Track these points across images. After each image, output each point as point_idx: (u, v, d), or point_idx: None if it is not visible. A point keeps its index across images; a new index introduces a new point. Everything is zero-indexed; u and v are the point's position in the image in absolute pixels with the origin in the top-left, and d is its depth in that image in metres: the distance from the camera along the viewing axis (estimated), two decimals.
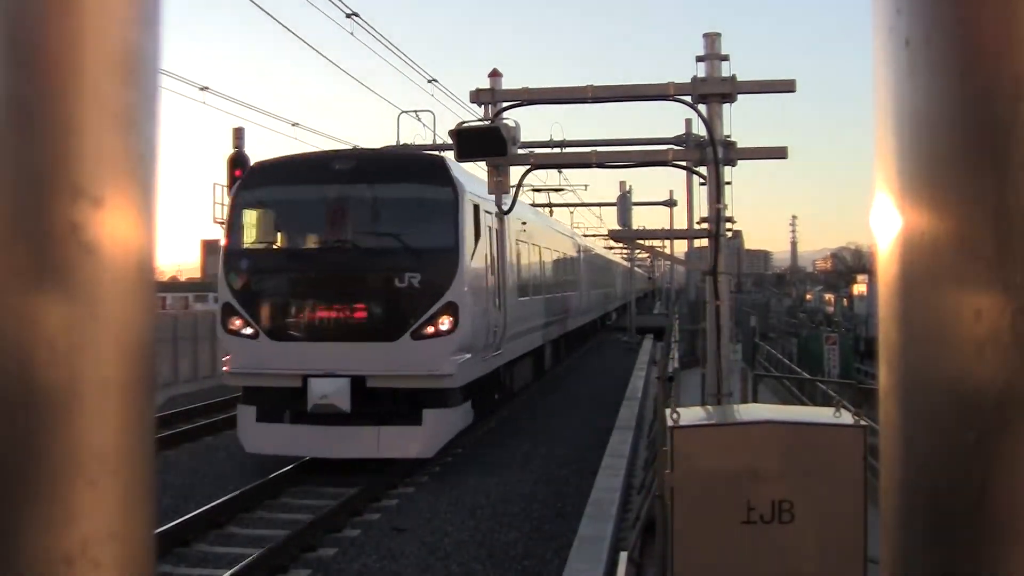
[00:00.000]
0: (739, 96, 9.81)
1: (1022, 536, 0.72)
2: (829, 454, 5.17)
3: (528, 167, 11.32)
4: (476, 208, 15.00)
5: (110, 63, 0.67)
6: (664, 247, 26.32)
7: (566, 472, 13.93)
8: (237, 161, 17.88)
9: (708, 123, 9.78)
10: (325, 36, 19.77)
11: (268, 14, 13.54)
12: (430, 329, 13.83)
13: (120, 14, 0.67)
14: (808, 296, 76.38)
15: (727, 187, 10.07)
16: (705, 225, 10.23)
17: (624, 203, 21.06)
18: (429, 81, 19.52)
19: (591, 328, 39.81)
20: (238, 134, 19.20)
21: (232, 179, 17.31)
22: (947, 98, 0.73)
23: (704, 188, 10.26)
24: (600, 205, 45.69)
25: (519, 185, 11.44)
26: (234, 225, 15.14)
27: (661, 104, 11.45)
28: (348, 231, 14.66)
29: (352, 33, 16.13)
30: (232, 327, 14.36)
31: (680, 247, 27.97)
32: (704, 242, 10.82)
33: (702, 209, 10.50)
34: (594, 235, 46.93)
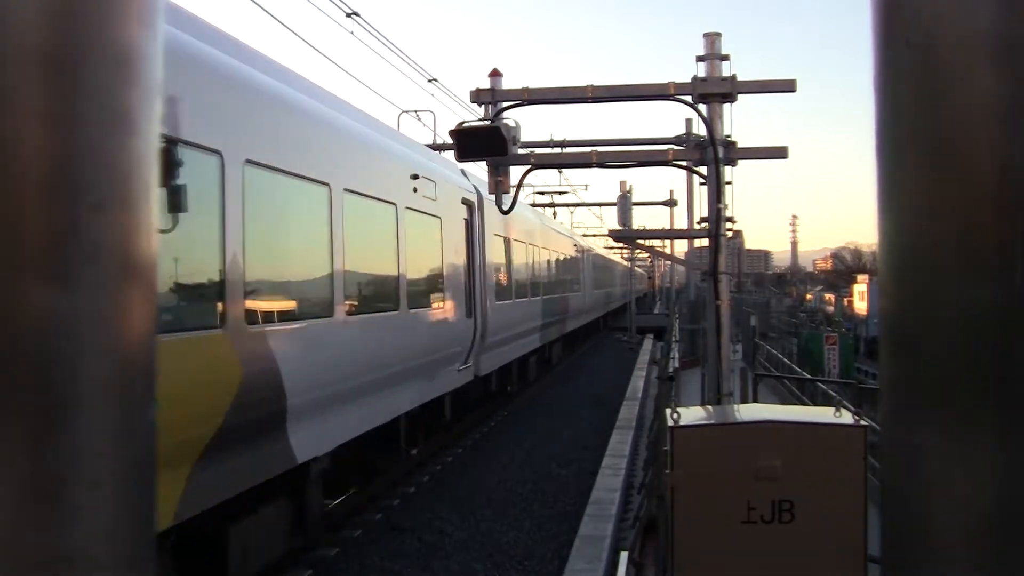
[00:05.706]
0: (739, 96, 9.80)
1: (1020, 535, 0.72)
2: (829, 454, 5.16)
3: (528, 167, 11.28)
4: None
5: (110, 63, 0.67)
6: (664, 247, 26.31)
7: (567, 472, 13.93)
8: None
9: (708, 123, 9.76)
10: (325, 35, 19.76)
11: (268, 13, 13.51)
12: None
13: (120, 14, 0.67)
14: (808, 296, 76.41)
15: (727, 187, 10.04)
16: (705, 225, 10.21)
17: (624, 203, 21.00)
18: (429, 81, 19.50)
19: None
20: None
21: None
22: (946, 98, 0.73)
23: (704, 188, 10.24)
24: (600, 205, 46.10)
25: (519, 185, 11.40)
26: None
27: (661, 104, 11.43)
28: None
29: (352, 32, 16.10)
30: None
31: (680, 247, 27.97)
32: (704, 242, 10.80)
33: (702, 209, 10.48)
34: (595, 235, 47.07)
